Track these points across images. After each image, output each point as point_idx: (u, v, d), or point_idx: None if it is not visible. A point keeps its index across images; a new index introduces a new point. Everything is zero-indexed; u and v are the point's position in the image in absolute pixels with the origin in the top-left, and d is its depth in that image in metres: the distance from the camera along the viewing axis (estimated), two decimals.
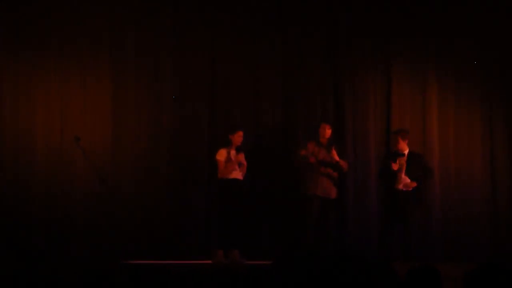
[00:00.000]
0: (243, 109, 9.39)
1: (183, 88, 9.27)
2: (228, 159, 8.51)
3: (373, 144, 9.55)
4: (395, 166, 8.62)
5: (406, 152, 8.79)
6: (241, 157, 8.53)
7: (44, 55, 8.93)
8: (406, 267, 3.74)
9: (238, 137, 8.55)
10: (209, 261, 8.55)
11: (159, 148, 9.16)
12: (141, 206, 9.01)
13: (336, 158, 8.72)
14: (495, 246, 9.47)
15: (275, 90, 9.48)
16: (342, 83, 9.59)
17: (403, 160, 8.70)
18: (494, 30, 9.72)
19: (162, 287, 3.78)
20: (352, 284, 3.50)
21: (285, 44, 9.53)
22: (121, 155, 9.03)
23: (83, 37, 9.02)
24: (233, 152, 8.57)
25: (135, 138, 9.11)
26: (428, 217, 9.49)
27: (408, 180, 8.64)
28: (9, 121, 8.83)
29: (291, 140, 9.37)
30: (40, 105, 8.91)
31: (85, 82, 9.02)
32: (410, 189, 8.63)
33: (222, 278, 3.61)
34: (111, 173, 8.78)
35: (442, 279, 3.52)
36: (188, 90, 9.29)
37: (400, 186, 8.67)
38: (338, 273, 3.59)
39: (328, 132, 8.79)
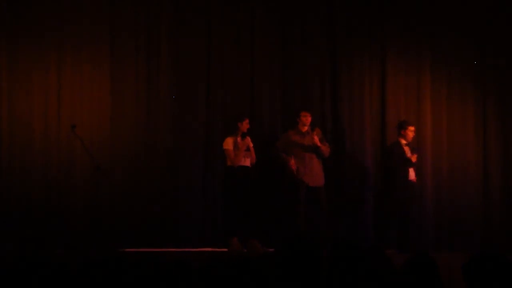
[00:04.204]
0: (240, 97, 9.38)
1: (180, 76, 9.26)
2: (236, 147, 8.62)
3: (369, 135, 9.56)
4: (414, 157, 8.90)
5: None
6: (248, 141, 8.69)
7: (42, 42, 8.92)
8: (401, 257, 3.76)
9: (246, 124, 8.74)
10: (211, 249, 8.71)
11: (157, 136, 9.15)
12: (138, 194, 9.01)
13: (318, 143, 8.77)
14: (487, 238, 9.49)
15: (273, 78, 9.47)
16: (339, 70, 9.57)
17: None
18: (489, 23, 9.70)
19: (159, 275, 3.79)
20: (347, 272, 3.52)
21: (284, 31, 9.50)
22: (119, 143, 9.02)
23: (81, 25, 9.00)
24: (238, 139, 8.71)
25: (132, 127, 9.10)
26: (421, 208, 9.53)
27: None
28: (7, 110, 8.82)
29: (289, 127, 9.37)
30: (37, 93, 8.91)
31: (82, 70, 9.01)
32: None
33: (222, 266, 3.63)
34: (109, 161, 8.78)
35: (439, 269, 3.55)
36: (185, 78, 9.27)
37: (411, 177, 8.90)
38: (332, 261, 3.60)
39: (309, 119, 8.84)
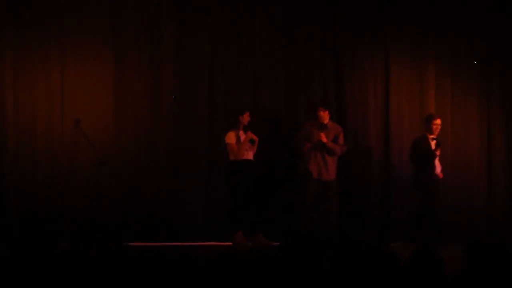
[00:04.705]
0: (243, 93, 9.38)
1: (182, 73, 9.26)
2: (238, 141, 8.66)
3: (373, 132, 9.59)
4: (437, 150, 8.90)
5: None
6: (250, 134, 8.73)
7: (45, 37, 8.93)
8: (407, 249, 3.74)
9: (247, 117, 8.80)
10: (215, 243, 8.76)
11: (159, 132, 9.17)
12: (141, 189, 9.03)
13: (324, 139, 8.75)
14: (490, 232, 9.48)
15: (276, 74, 9.47)
16: (342, 69, 9.58)
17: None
18: (492, 16, 9.69)
19: (162, 269, 3.79)
20: (351, 267, 3.51)
21: (285, 29, 9.50)
22: (122, 139, 9.05)
23: (84, 19, 9.01)
24: (241, 133, 8.74)
25: (135, 123, 9.12)
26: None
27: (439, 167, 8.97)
28: (10, 105, 8.84)
29: (291, 123, 9.37)
30: (41, 91, 8.93)
31: (85, 68, 9.01)
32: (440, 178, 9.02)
33: (224, 260, 3.63)
34: (112, 156, 8.79)
35: (444, 262, 3.54)
36: (188, 74, 9.28)
37: (436, 171, 8.93)
38: (337, 256, 3.60)
39: (322, 114, 8.84)
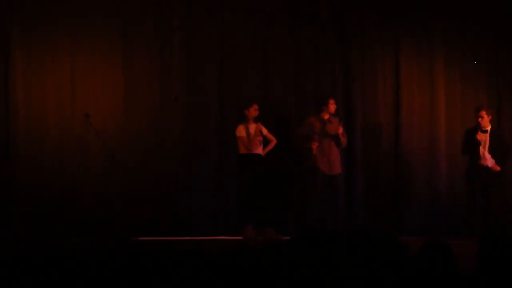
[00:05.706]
0: (252, 85, 9.37)
1: (192, 66, 9.26)
2: (249, 134, 8.62)
3: (383, 121, 9.57)
4: (480, 136, 8.77)
5: (489, 129, 8.87)
6: (260, 127, 8.72)
7: (55, 31, 8.95)
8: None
9: (254, 111, 8.75)
10: (225, 237, 8.76)
11: (169, 125, 9.18)
12: (151, 182, 9.05)
13: (340, 132, 8.76)
14: (500, 224, 9.44)
15: (286, 69, 9.44)
16: (351, 63, 9.56)
17: (486, 136, 8.82)
18: (502, 9, 9.64)
19: (170, 263, 3.79)
20: (359, 260, 3.51)
21: (295, 24, 9.48)
22: (132, 131, 9.06)
23: (94, 12, 9.02)
24: (251, 126, 8.73)
25: (145, 115, 9.13)
26: (435, 192, 9.52)
27: (492, 160, 8.80)
28: (21, 98, 8.86)
29: (302, 118, 9.36)
30: (51, 83, 8.95)
31: (95, 59, 9.03)
32: (495, 170, 8.84)
33: (235, 254, 3.63)
34: (122, 150, 8.80)
35: (454, 255, 3.54)
36: (197, 65, 9.27)
37: (483, 162, 8.81)
38: (345, 249, 3.60)
39: (335, 107, 8.86)
